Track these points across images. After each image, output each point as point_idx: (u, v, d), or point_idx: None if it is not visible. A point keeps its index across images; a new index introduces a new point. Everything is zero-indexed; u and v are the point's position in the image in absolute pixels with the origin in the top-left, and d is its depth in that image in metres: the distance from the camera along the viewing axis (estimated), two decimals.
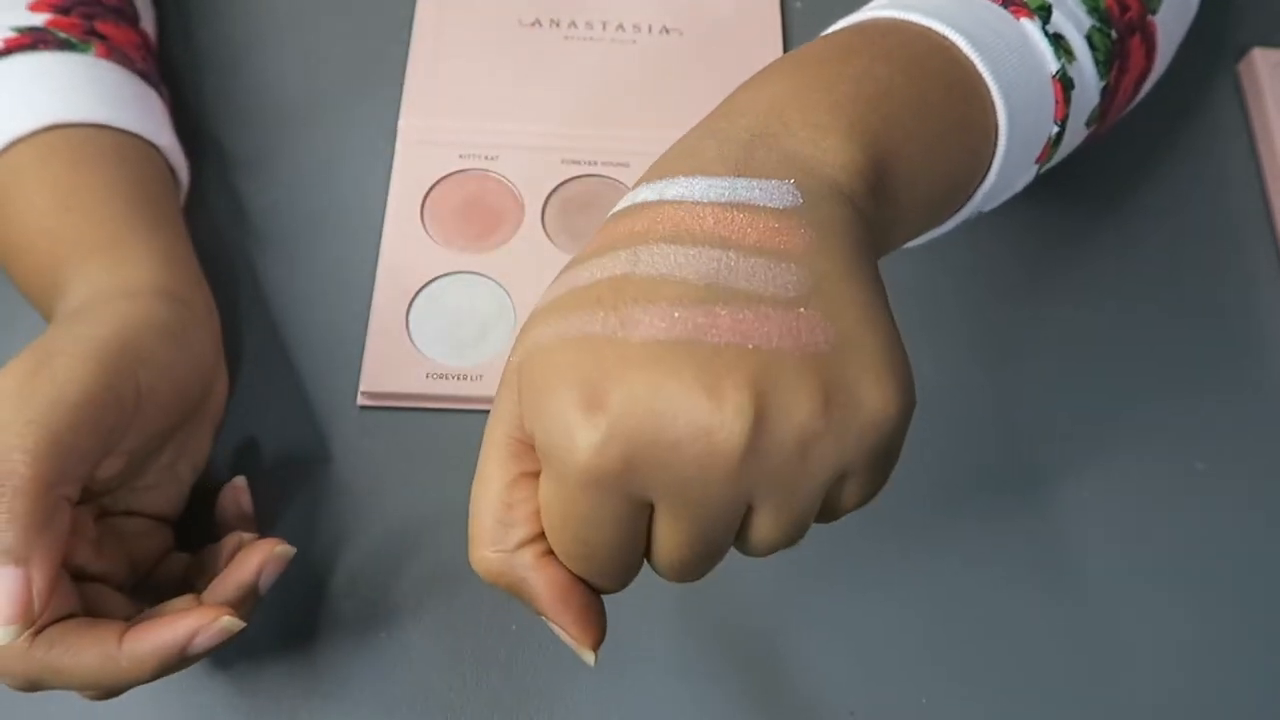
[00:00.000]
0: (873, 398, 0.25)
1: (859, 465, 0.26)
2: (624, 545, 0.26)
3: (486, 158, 0.48)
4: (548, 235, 0.47)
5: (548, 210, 0.48)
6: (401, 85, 0.50)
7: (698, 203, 0.27)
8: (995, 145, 0.35)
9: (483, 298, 0.46)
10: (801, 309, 0.25)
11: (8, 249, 0.40)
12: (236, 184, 0.48)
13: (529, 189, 0.48)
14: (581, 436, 0.24)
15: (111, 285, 0.38)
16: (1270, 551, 0.44)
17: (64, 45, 0.42)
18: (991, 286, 0.48)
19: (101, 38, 0.43)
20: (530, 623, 0.41)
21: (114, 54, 0.43)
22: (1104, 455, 0.45)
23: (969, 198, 0.36)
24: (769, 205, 0.27)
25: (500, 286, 0.46)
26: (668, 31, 0.52)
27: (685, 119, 0.31)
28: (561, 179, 0.48)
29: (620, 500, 0.25)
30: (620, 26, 0.52)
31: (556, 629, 0.28)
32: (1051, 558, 0.43)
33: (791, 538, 0.27)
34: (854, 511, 0.28)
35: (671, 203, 0.27)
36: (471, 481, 0.45)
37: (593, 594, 0.28)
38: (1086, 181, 0.50)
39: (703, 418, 0.24)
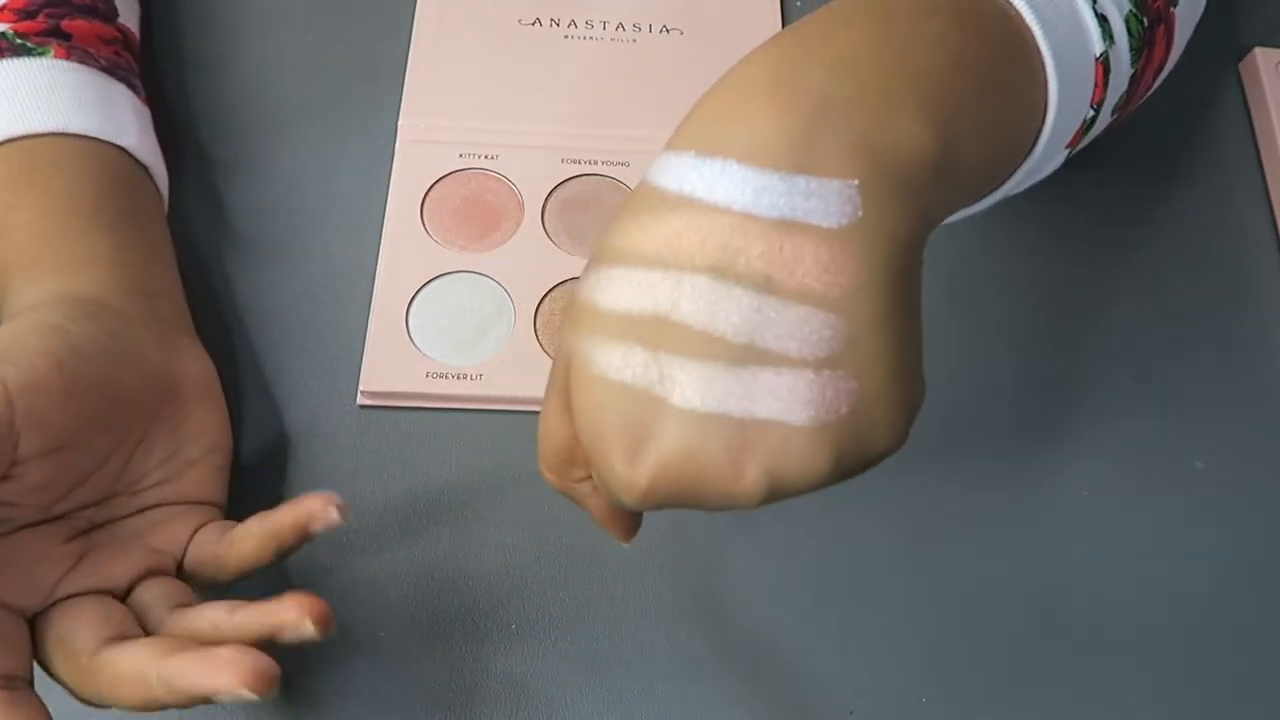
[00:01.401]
0: (881, 443, 0.28)
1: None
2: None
3: (486, 157, 0.48)
4: (548, 234, 0.47)
5: (548, 210, 0.48)
6: (401, 85, 0.50)
7: (748, 215, 0.26)
8: (1043, 123, 0.34)
9: (482, 297, 0.46)
10: (828, 371, 0.26)
11: None
12: (236, 183, 0.48)
13: (529, 188, 0.48)
14: (624, 481, 0.28)
15: (17, 307, 0.37)
16: (1270, 550, 0.44)
17: (18, 51, 0.41)
18: (990, 285, 0.48)
19: (65, 37, 0.42)
20: (530, 623, 0.41)
21: (74, 53, 0.42)
22: (1104, 454, 0.45)
23: (1009, 178, 0.36)
24: (823, 225, 0.26)
25: (500, 286, 0.46)
26: (668, 31, 0.52)
27: None
28: (561, 178, 0.48)
29: (659, 506, 0.29)
30: (620, 26, 0.52)
31: (605, 528, 0.34)
32: (1051, 557, 0.43)
33: None
34: None
35: (721, 210, 0.27)
36: (473, 480, 0.45)
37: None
38: (1086, 180, 0.50)
39: (724, 486, 0.27)
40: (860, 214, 0.27)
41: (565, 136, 0.49)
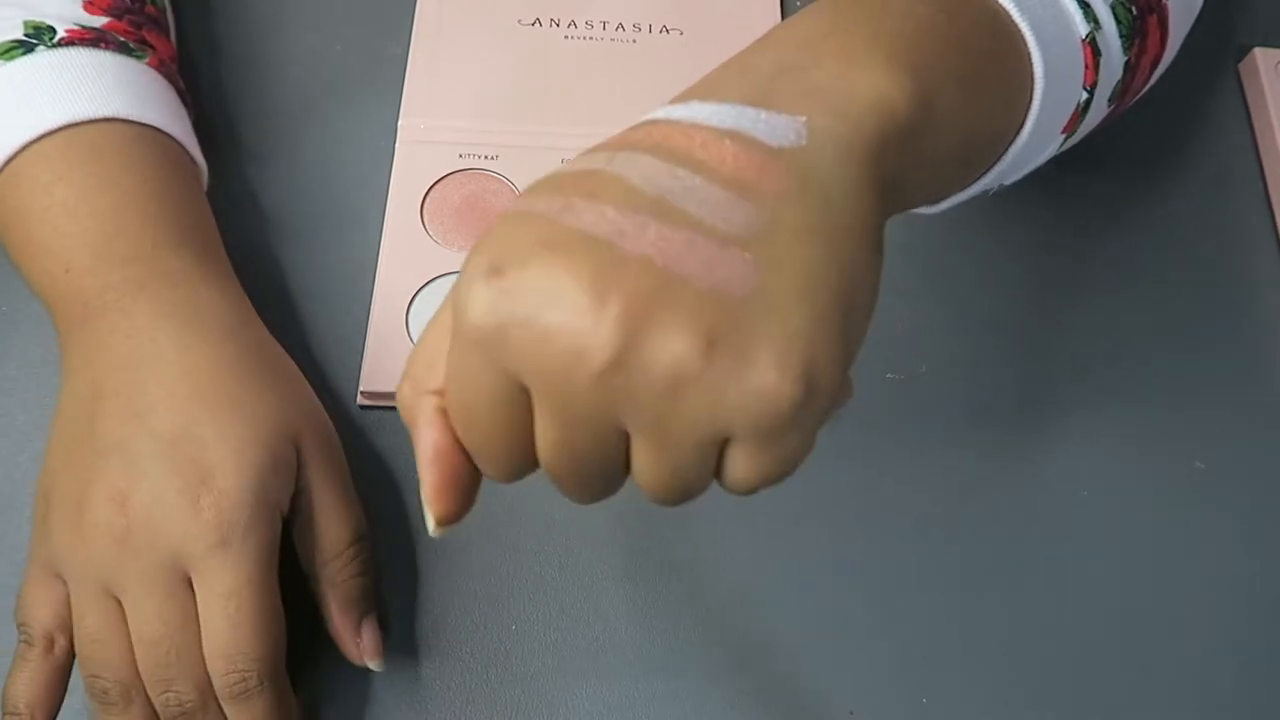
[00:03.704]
0: (763, 371, 0.24)
1: (742, 434, 0.25)
2: (499, 424, 0.26)
3: (486, 157, 0.48)
4: None
5: None
6: (401, 85, 0.50)
7: (695, 123, 0.27)
8: (1030, 101, 0.34)
9: None
10: (736, 249, 0.24)
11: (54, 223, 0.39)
12: (236, 184, 0.48)
13: None
14: (473, 297, 0.24)
15: (167, 266, 0.39)
16: (1270, 550, 0.44)
17: (122, 49, 0.42)
18: (988, 285, 0.48)
19: (152, 48, 0.44)
20: (530, 623, 0.41)
21: (163, 67, 0.44)
22: (1104, 454, 0.45)
23: (1000, 156, 0.36)
24: (766, 141, 0.26)
25: None
26: (668, 31, 0.52)
27: None
28: None
29: (498, 374, 0.25)
30: (620, 26, 0.52)
31: (421, 486, 0.28)
32: (1051, 557, 0.43)
33: (672, 485, 0.26)
34: (760, 489, 0.26)
35: (673, 121, 0.27)
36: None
37: (470, 471, 0.28)
38: (1087, 180, 0.50)
39: (578, 318, 0.24)
40: (804, 143, 0.26)
41: (565, 136, 0.49)
